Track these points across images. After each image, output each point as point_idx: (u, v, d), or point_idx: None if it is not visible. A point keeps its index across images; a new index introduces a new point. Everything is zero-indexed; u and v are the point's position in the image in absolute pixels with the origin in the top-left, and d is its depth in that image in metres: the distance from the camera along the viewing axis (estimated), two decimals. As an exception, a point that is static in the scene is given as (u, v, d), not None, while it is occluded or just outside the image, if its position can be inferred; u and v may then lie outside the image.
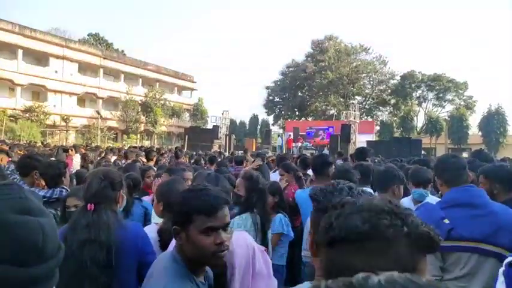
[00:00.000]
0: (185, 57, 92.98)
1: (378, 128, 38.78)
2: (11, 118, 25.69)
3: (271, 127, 42.45)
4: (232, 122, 40.12)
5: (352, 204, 0.79)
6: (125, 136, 34.15)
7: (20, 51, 28.86)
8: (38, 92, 31.09)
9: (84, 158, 6.82)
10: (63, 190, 2.96)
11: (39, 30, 30.61)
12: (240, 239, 1.89)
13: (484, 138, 31.71)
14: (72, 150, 6.33)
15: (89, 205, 1.87)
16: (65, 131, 29.51)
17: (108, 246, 1.77)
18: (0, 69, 27.57)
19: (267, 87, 48.82)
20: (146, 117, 35.68)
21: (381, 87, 44.56)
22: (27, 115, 27.24)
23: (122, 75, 37.42)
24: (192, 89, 46.14)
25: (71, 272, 1.69)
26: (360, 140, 22.80)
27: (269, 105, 48.48)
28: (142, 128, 35.83)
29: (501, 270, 1.46)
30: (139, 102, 35.53)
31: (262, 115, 47.10)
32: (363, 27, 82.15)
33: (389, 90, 43.90)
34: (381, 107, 46.01)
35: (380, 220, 0.71)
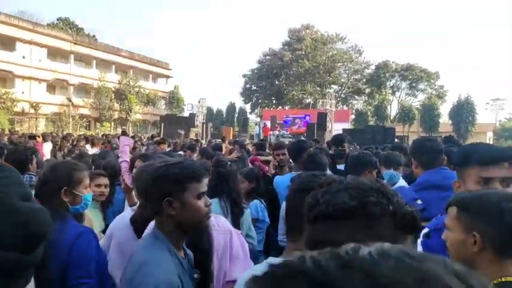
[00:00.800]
0: (160, 44, 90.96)
1: (353, 116, 39.48)
2: (-24, 105, 24.49)
3: (249, 115, 42.45)
4: (209, 110, 39.79)
5: (339, 182, 0.80)
6: (98, 124, 33.24)
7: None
8: (4, 78, 29.67)
9: (54, 146, 6.59)
10: (33, 176, 2.86)
11: (4, 13, 29.06)
12: (219, 223, 1.91)
13: (454, 126, 32.87)
14: (39, 137, 6.07)
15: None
16: (35, 119, 28.40)
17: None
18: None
19: (244, 76, 48.62)
20: (120, 104, 34.79)
21: (356, 77, 45.25)
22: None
23: (94, 61, 36.16)
24: (168, 77, 45.25)
25: None
26: (336, 128, 23.15)
27: (246, 94, 48.36)
28: (116, 116, 34.92)
29: (419, 241, 1.51)
30: (113, 89, 34.54)
31: (239, 103, 46.99)
32: (339, 16, 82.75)
33: (364, 80, 44.66)
34: (356, 96, 46.79)
35: (367, 198, 0.72)
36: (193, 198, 1.34)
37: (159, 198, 1.30)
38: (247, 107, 47.42)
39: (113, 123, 33.98)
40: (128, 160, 3.40)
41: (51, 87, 33.30)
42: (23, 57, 29.93)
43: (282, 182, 3.03)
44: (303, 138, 19.00)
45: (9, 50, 29.43)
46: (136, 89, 36.21)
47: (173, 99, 42.43)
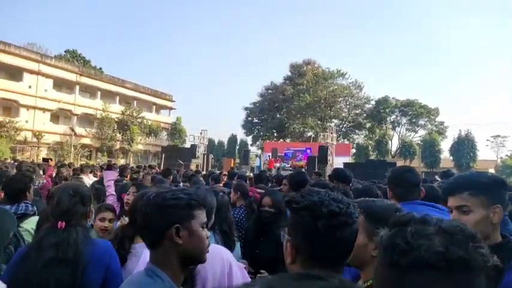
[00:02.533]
0: (164, 76, 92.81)
1: (354, 150, 39.55)
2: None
3: (250, 147, 42.51)
4: (211, 141, 39.99)
5: (423, 222, 0.69)
6: (99, 154, 33.30)
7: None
8: (9, 107, 30.11)
9: (58, 174, 6.56)
10: (29, 205, 2.81)
11: (14, 44, 29.94)
12: (215, 254, 1.82)
13: (455, 162, 32.79)
14: (51, 160, 6.04)
15: (59, 223, 1.77)
16: (36, 148, 28.50)
17: (75, 264, 1.69)
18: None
19: (246, 108, 49.23)
20: (122, 135, 35.03)
21: (357, 111, 45.74)
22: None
23: (99, 92, 36.83)
24: (171, 108, 45.87)
25: None
26: (337, 161, 23.12)
27: (248, 126, 48.75)
28: (117, 146, 35.07)
29: None
30: (116, 119, 34.91)
31: (240, 135, 47.27)
32: (339, 52, 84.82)
33: (364, 114, 45.12)
34: (357, 130, 47.08)
35: (478, 249, 0.62)
36: (200, 227, 1.29)
37: (165, 226, 1.23)
38: (249, 140, 47.66)
39: (114, 153, 34.07)
40: (115, 193, 3.41)
41: (55, 116, 33.70)
42: (29, 87, 30.50)
43: None
44: (303, 170, 18.94)
45: (16, 80, 30.05)
46: (139, 120, 36.59)
47: (175, 130, 42.78)
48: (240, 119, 50.51)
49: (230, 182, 7.35)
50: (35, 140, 28.94)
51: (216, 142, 42.99)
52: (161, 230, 1.24)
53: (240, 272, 1.84)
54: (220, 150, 41.80)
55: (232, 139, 44.47)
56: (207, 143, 28.33)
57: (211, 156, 25.30)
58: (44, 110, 31.71)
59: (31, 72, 30.66)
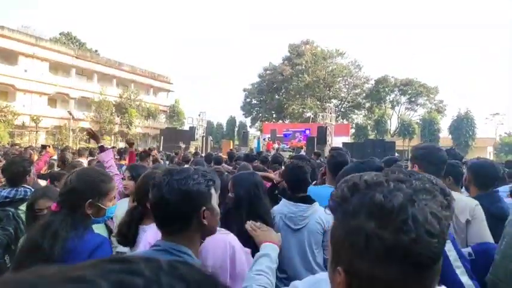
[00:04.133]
0: (162, 59, 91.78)
1: (353, 130, 39.52)
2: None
3: (249, 129, 42.49)
4: (210, 124, 39.87)
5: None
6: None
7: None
8: (6, 91, 29.83)
9: (62, 159, 6.52)
10: (28, 190, 2.80)
11: (7, 27, 29.39)
12: (219, 239, 1.80)
13: (454, 141, 32.86)
14: (49, 147, 5.96)
15: (53, 205, 1.72)
16: (35, 132, 28.41)
17: (48, 255, 1.57)
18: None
19: (245, 90, 48.89)
20: (121, 118, 34.88)
21: (356, 91, 45.48)
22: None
23: (96, 75, 36.41)
24: (169, 91, 45.47)
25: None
26: (336, 142, 23.13)
27: (246, 108, 48.55)
28: (116, 129, 34.97)
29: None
30: (114, 103, 34.67)
31: (239, 117, 47.13)
32: (338, 32, 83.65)
33: (364, 94, 44.87)
34: (356, 110, 46.93)
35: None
36: (216, 204, 1.34)
37: (194, 210, 1.25)
38: (248, 121, 47.57)
39: (113, 137, 34.00)
40: (119, 173, 3.33)
41: (53, 100, 33.44)
42: (25, 70, 30.13)
43: (321, 193, 2.73)
44: (303, 151, 18.95)
45: (12, 64, 29.66)
46: (137, 103, 36.35)
47: (173, 113, 42.58)
48: (239, 101, 50.29)
49: (230, 164, 7.38)
50: (33, 124, 28.80)
51: (214, 124, 42.91)
52: (189, 215, 1.26)
53: (245, 256, 1.81)
54: (219, 132, 41.77)
55: (231, 121, 44.37)
56: (205, 126, 28.27)
57: (210, 138, 25.27)
58: (40, 94, 31.44)
59: (26, 55, 30.22)
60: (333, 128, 25.69)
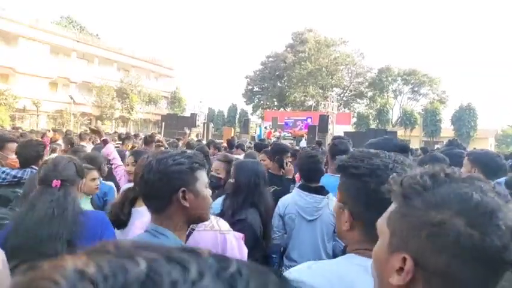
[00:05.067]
0: (164, 45, 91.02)
1: (354, 119, 39.43)
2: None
3: (250, 117, 42.34)
4: (211, 110, 39.79)
5: None
6: (99, 122, 33.19)
7: (-13, 31, 27.40)
8: (6, 74, 29.65)
9: (69, 142, 6.53)
10: (34, 170, 2.81)
11: (6, 8, 29.06)
12: (217, 223, 1.80)
13: (455, 132, 32.79)
14: (49, 132, 5.96)
15: (54, 181, 1.75)
16: (36, 116, 28.36)
17: (72, 225, 1.67)
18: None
19: (247, 77, 48.60)
20: (122, 103, 34.78)
21: (359, 80, 45.20)
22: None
23: (97, 60, 36.17)
24: (170, 77, 45.24)
25: (26, 250, 1.58)
26: (337, 130, 23.09)
27: (248, 95, 48.34)
28: (117, 115, 34.91)
29: None
30: (115, 88, 34.53)
31: (241, 105, 46.95)
32: (342, 21, 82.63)
33: (366, 83, 44.59)
34: (358, 99, 46.71)
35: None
36: (204, 188, 1.32)
37: (172, 190, 1.25)
38: (249, 109, 47.39)
39: (114, 122, 33.98)
40: (122, 164, 3.43)
41: (54, 84, 33.27)
42: (26, 53, 29.90)
43: (324, 182, 2.77)
44: (304, 140, 18.92)
45: (12, 46, 29.40)
46: (139, 88, 36.20)
47: (175, 99, 42.41)
48: (241, 88, 50.01)
49: (229, 152, 7.34)
50: (33, 108, 28.70)
51: (216, 111, 42.77)
52: (167, 195, 1.26)
53: (236, 241, 1.80)
54: (220, 119, 41.67)
55: (233, 108, 44.21)
56: (207, 112, 28.19)
57: (211, 125, 25.22)
58: (41, 77, 31.26)
59: (27, 38, 29.95)
60: (335, 116, 25.62)
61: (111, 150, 3.47)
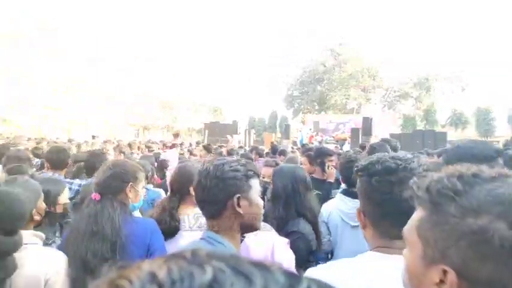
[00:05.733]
0: (200, 57, 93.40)
1: (400, 121, 37.98)
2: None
3: (291, 122, 42.19)
4: (251, 117, 40.15)
5: None
6: (146, 132, 34.76)
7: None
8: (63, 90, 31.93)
9: (120, 152, 6.92)
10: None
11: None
12: (260, 236, 1.77)
13: (513, 130, 30.58)
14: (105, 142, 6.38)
15: (93, 195, 1.79)
16: (88, 127, 30.23)
17: (112, 239, 1.67)
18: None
19: (286, 82, 48.62)
20: (168, 113, 36.50)
21: (403, 80, 43.53)
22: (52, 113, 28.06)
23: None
24: (209, 86, 46.58)
25: (76, 263, 1.64)
26: (382, 133, 22.35)
27: (288, 100, 48.27)
28: (163, 125, 36.57)
29: None
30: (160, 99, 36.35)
31: (281, 110, 46.93)
32: (378, 26, 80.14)
33: (411, 83, 42.85)
34: (403, 100, 44.95)
35: None
36: (257, 196, 1.36)
37: (227, 196, 1.28)
38: (289, 114, 47.25)
39: (161, 131, 35.52)
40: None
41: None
42: (77, 70, 32.06)
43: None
44: (347, 144, 18.50)
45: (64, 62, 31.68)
46: (182, 98, 37.74)
47: (216, 107, 43.39)
48: (281, 93, 50.00)
49: (273, 157, 7.32)
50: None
51: (256, 118, 43.11)
52: (222, 201, 1.29)
53: (283, 247, 1.78)
54: (261, 125, 41.89)
55: (273, 114, 44.33)
56: (248, 119, 28.47)
57: (252, 131, 25.42)
58: (92, 91, 33.33)
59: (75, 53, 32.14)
60: (379, 118, 24.83)
61: (172, 156, 3.58)
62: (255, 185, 1.35)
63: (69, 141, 16.81)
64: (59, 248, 1.77)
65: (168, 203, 2.24)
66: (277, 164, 3.23)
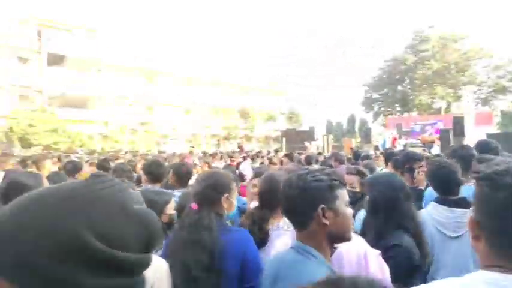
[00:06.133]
0: (274, 67, 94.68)
1: (498, 118, 34.04)
2: (131, 131, 29.35)
3: (371, 125, 40.48)
4: (329, 122, 39.44)
5: None
6: (226, 142, 36.29)
7: (135, 70, 32.93)
8: (151, 106, 34.85)
9: (206, 162, 7.33)
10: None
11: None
12: (351, 246, 1.70)
13: None
14: (193, 148, 6.87)
15: (192, 204, 1.86)
16: (175, 140, 32.63)
17: (211, 248, 1.71)
18: (115, 88, 31.50)
19: (364, 85, 46.84)
20: (245, 123, 37.60)
21: (499, 73, 39.02)
22: (143, 128, 30.82)
23: (221, 85, 40.03)
24: (285, 95, 47.13)
25: (177, 272, 1.68)
26: (477, 133, 20.22)
27: (367, 103, 46.37)
28: (242, 134, 37.79)
29: None
30: (238, 109, 37.70)
31: (359, 114, 45.34)
32: (463, 16, 72.94)
33: (509, 76, 38.20)
34: (499, 95, 40.28)
35: None
36: (344, 206, 1.31)
37: (311, 207, 1.26)
38: (369, 117, 45.39)
39: (239, 140, 36.83)
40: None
41: (187, 111, 37.85)
42: (164, 86, 34.92)
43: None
44: (436, 147, 17.11)
45: (153, 82, 34.75)
46: (258, 108, 38.71)
47: (292, 114, 43.51)
48: (359, 97, 48.29)
49: (354, 163, 7.04)
50: (173, 133, 33.12)
51: (334, 123, 42.22)
52: (307, 212, 1.27)
53: (376, 259, 1.70)
54: (339, 130, 40.92)
55: (351, 118, 43.03)
56: (325, 124, 28.04)
57: (330, 137, 24.93)
58: (177, 106, 35.93)
59: (164, 73, 35.02)
60: (472, 117, 22.58)
61: (246, 167, 3.68)
62: (342, 194, 1.31)
63: (160, 153, 18.26)
64: (162, 255, 1.86)
65: (258, 214, 2.23)
66: (358, 171, 3.07)
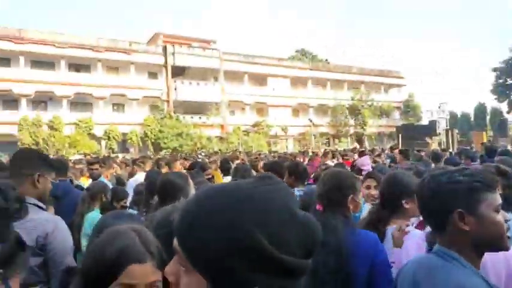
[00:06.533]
0: (390, 53, 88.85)
1: None
2: (244, 132, 31.03)
3: (506, 115, 35.03)
4: (453, 114, 35.47)
5: None
6: (336, 140, 35.54)
7: (246, 76, 34.74)
8: (261, 108, 36.32)
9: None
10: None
11: (257, 55, 35.89)
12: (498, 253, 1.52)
13: None
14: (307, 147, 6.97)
15: (317, 206, 1.83)
16: (285, 140, 33.30)
17: (337, 251, 1.67)
18: (229, 94, 33.61)
19: (495, 69, 40.74)
20: (355, 120, 36.14)
21: None
22: (255, 129, 32.29)
23: (328, 83, 39.26)
24: (400, 85, 43.58)
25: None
26: None
27: (499, 90, 40.24)
28: (351, 131, 36.47)
29: None
30: (347, 106, 36.34)
31: (490, 103, 39.62)
32: None
33: None
34: None
35: None
36: (491, 211, 1.15)
37: (445, 211, 1.16)
38: (503, 106, 39.31)
39: (349, 138, 35.62)
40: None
41: (295, 111, 38.26)
42: (273, 89, 35.91)
43: None
44: None
45: (263, 85, 36.03)
46: (369, 103, 36.72)
47: (408, 107, 40.35)
48: (488, 83, 42.25)
49: (488, 160, 6.15)
50: (282, 133, 33.84)
51: (459, 115, 37.78)
52: (441, 215, 1.18)
53: None
54: (465, 123, 36.49)
55: (480, 108, 37.92)
56: (448, 117, 25.27)
57: (455, 131, 22.35)
58: (285, 106, 36.61)
59: (273, 76, 36.05)
60: None
61: (367, 162, 3.56)
62: (488, 198, 1.15)
63: (270, 152, 18.91)
64: None
65: (377, 214, 2.14)
66: (499, 169, 2.65)
